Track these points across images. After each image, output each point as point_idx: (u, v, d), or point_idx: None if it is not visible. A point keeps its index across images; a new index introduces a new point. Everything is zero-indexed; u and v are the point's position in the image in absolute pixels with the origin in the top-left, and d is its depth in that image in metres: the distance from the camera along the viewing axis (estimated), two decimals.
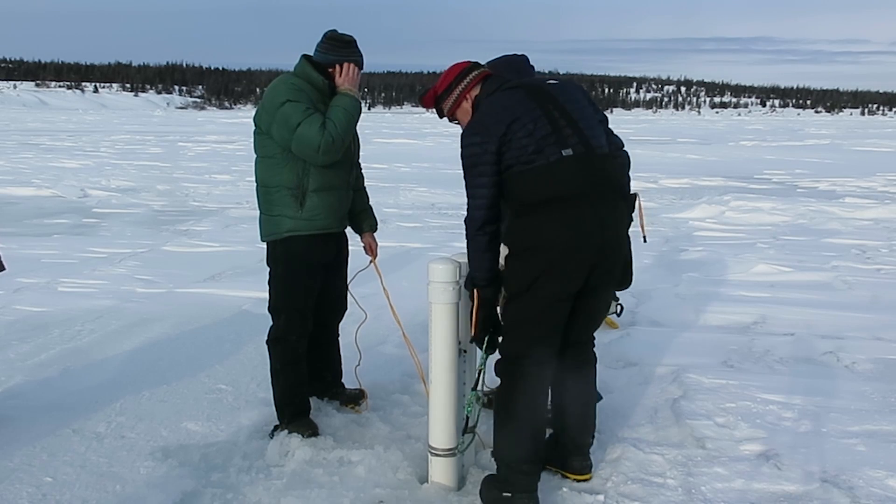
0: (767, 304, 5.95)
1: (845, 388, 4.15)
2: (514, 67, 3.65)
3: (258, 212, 3.59)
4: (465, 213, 2.91)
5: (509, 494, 2.88)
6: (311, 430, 3.53)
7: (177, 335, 5.15)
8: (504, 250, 2.90)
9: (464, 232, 2.92)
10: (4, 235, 9.16)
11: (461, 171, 2.94)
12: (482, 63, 3.16)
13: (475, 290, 2.96)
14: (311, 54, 3.48)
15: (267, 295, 3.60)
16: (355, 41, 3.48)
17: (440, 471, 3.09)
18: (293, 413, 3.59)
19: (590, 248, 2.77)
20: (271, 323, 3.60)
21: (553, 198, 2.74)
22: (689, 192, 14.85)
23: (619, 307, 4.73)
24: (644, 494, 3.03)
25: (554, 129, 2.78)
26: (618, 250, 2.90)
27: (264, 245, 3.56)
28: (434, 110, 3.14)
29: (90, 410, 3.82)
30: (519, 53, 3.79)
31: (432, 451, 3.08)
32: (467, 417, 3.10)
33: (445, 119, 3.13)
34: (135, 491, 3.07)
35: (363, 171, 3.88)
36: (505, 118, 2.80)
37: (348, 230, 3.79)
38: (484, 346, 3.02)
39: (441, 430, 3.06)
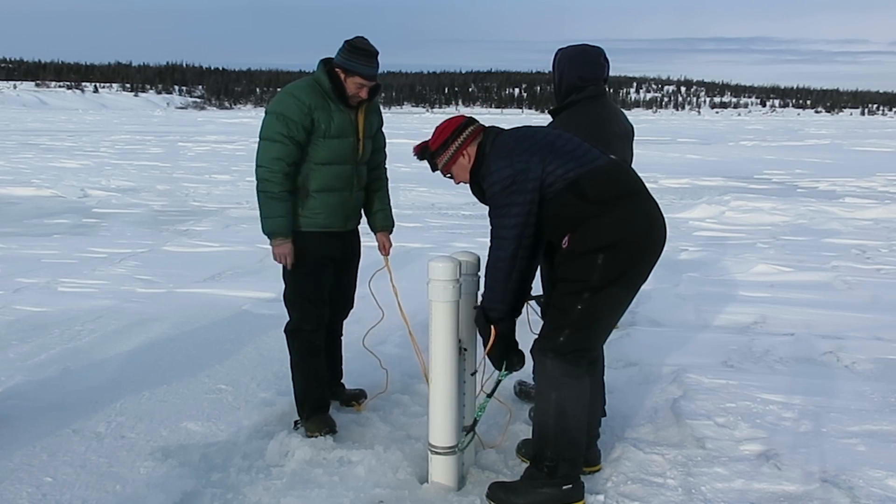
0: (767, 304, 5.95)
1: (845, 388, 4.16)
2: (576, 62, 3.52)
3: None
4: (491, 242, 2.85)
5: (571, 485, 2.92)
6: (328, 428, 3.56)
7: (177, 335, 5.15)
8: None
9: (487, 254, 2.88)
10: (4, 235, 9.17)
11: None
12: (476, 120, 3.08)
13: (492, 326, 2.94)
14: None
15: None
16: (366, 50, 3.42)
17: (440, 470, 3.09)
18: (312, 408, 3.63)
19: (663, 240, 2.90)
20: (288, 318, 3.67)
21: (629, 192, 2.84)
22: (689, 192, 14.86)
23: None
24: (644, 494, 3.03)
25: (584, 141, 2.93)
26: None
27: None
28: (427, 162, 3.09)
29: (90, 410, 3.82)
30: (594, 45, 3.59)
31: (432, 449, 3.08)
32: (475, 420, 3.13)
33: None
34: (135, 491, 3.07)
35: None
36: (542, 138, 2.87)
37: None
38: (503, 366, 3.04)
39: (441, 429, 3.05)
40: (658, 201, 2.95)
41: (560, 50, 3.63)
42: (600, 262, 2.77)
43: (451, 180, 3.08)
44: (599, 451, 3.30)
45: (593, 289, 2.79)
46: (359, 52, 3.42)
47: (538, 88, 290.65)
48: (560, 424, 2.89)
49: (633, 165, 3.47)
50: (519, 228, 2.79)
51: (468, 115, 3.10)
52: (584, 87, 3.50)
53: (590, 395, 3.01)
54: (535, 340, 2.96)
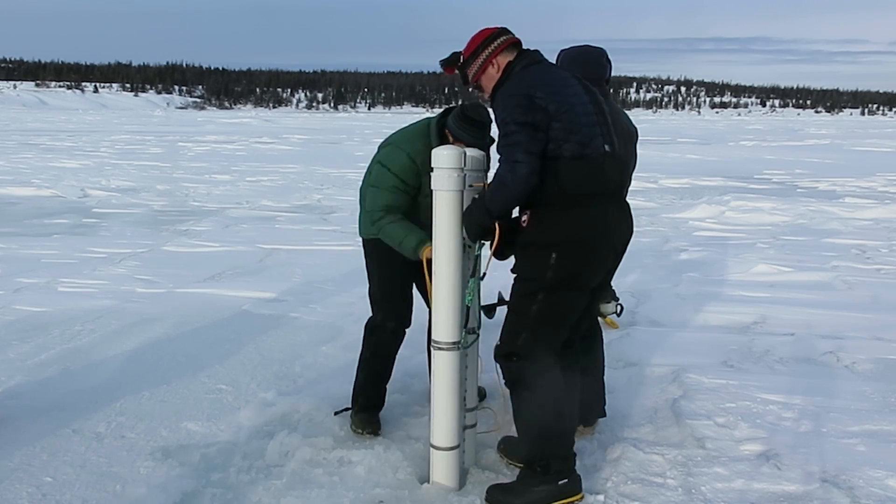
0: (767, 304, 5.95)
1: (845, 388, 4.16)
2: (578, 63, 3.49)
3: (359, 209, 3.68)
4: (502, 165, 2.70)
5: (566, 479, 2.93)
6: (371, 429, 3.59)
7: (177, 335, 5.15)
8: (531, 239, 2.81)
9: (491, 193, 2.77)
10: (4, 235, 9.17)
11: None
12: (509, 29, 2.96)
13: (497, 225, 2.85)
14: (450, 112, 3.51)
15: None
16: (478, 122, 3.37)
17: (443, 367, 3.03)
18: (364, 405, 3.67)
19: (619, 243, 2.91)
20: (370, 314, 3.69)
21: (601, 192, 2.80)
22: (689, 192, 14.84)
23: (619, 307, 4.72)
24: (644, 494, 3.03)
25: (598, 121, 2.83)
26: (627, 246, 3.01)
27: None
28: (458, 76, 3.00)
29: (90, 410, 3.83)
30: (596, 45, 3.60)
31: (436, 345, 3.02)
32: (468, 308, 3.05)
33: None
34: (135, 491, 3.07)
35: None
36: (570, 96, 2.77)
37: None
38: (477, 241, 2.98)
39: (444, 323, 2.99)
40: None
41: (562, 51, 3.64)
42: (553, 260, 2.75)
43: (483, 95, 2.97)
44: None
45: (546, 289, 2.79)
46: (470, 123, 3.38)
47: None
48: (542, 423, 2.88)
49: (635, 167, 3.46)
50: (537, 144, 2.66)
51: (502, 27, 2.96)
52: None
53: (572, 381, 2.98)
54: (496, 346, 2.95)
